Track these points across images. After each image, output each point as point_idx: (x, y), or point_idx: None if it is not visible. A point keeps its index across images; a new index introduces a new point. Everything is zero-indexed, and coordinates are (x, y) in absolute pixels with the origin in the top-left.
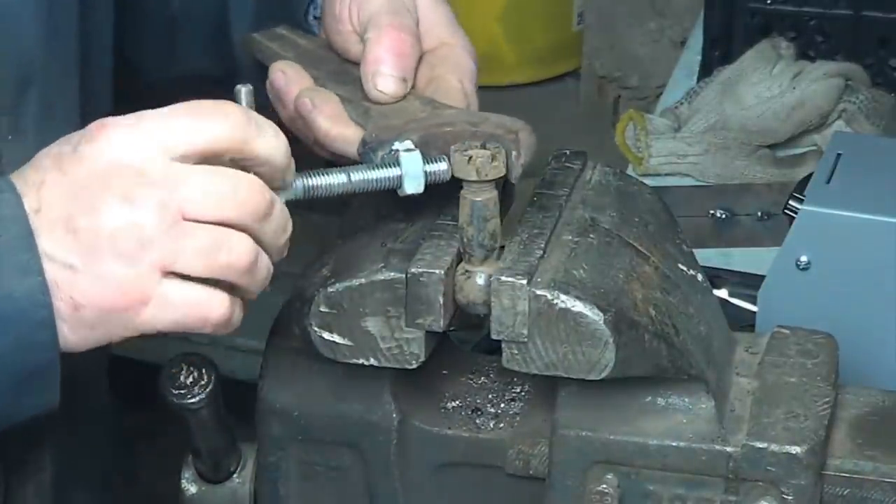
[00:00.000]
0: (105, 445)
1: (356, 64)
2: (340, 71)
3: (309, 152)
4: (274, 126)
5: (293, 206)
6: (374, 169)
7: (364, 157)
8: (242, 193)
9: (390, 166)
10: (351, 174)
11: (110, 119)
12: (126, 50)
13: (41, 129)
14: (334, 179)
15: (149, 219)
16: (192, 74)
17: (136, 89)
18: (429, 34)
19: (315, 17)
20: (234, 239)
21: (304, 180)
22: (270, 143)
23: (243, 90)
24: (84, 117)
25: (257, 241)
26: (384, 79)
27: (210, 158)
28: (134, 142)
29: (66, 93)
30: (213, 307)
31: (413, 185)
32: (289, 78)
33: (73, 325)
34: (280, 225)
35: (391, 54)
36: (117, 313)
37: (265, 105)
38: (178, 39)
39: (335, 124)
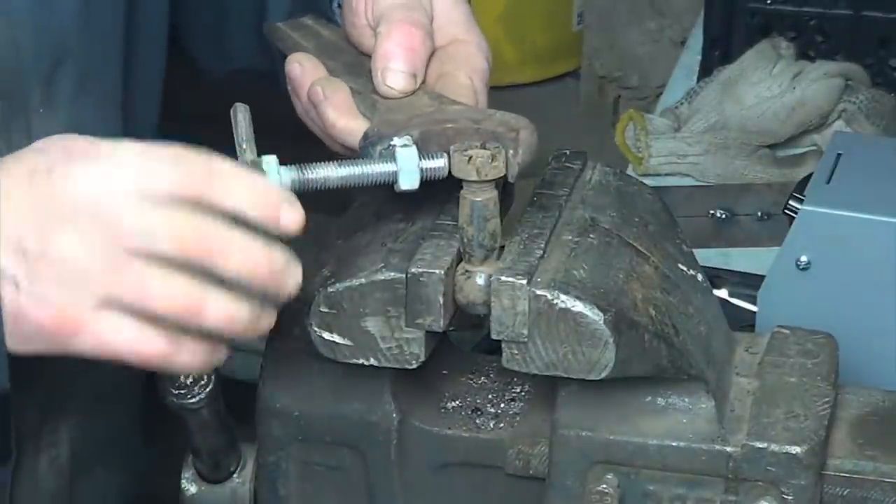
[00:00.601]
0: (130, 430)
1: (370, 57)
2: (356, 63)
3: (321, 144)
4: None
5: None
6: (369, 163)
7: (363, 151)
8: (185, 231)
9: (386, 161)
10: (346, 168)
11: (92, 148)
12: (185, 46)
13: (74, 106)
14: (329, 173)
15: (92, 253)
16: (244, 68)
17: (195, 83)
18: (442, 31)
19: (339, 6)
20: (172, 280)
21: (299, 173)
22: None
23: (240, 108)
24: (127, 102)
25: (219, 275)
26: (393, 74)
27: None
28: (107, 183)
29: (104, 74)
30: (149, 348)
31: (408, 181)
32: (304, 70)
33: (12, 334)
34: (247, 257)
35: (401, 49)
36: (52, 335)
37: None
38: (227, 32)
39: (343, 116)
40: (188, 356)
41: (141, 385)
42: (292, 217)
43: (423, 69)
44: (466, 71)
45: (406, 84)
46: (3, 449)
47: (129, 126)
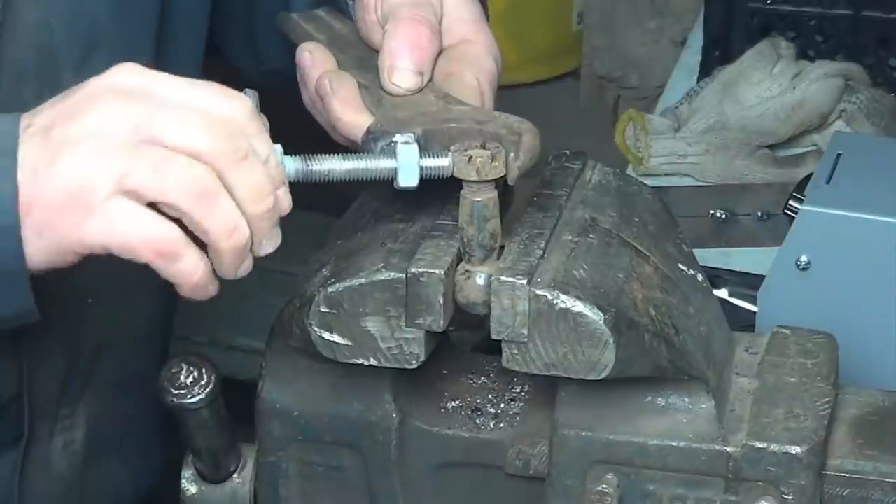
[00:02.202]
0: (147, 420)
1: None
2: (366, 58)
3: (325, 135)
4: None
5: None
6: (370, 158)
7: (365, 146)
8: (219, 134)
9: (387, 157)
10: (346, 162)
11: (130, 65)
12: (220, 46)
13: None
14: (329, 165)
15: (117, 131)
16: (277, 69)
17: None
18: (451, 30)
19: None
20: (194, 166)
21: (300, 164)
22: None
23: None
24: None
25: (228, 187)
26: (400, 73)
27: None
28: (137, 74)
29: (134, 62)
30: (162, 236)
31: (407, 178)
32: (315, 59)
33: (26, 232)
34: (257, 183)
35: (407, 47)
36: (62, 217)
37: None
38: (256, 30)
39: (348, 110)
40: (193, 261)
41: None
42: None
43: (429, 67)
44: (474, 72)
45: (412, 82)
46: (14, 428)
47: None
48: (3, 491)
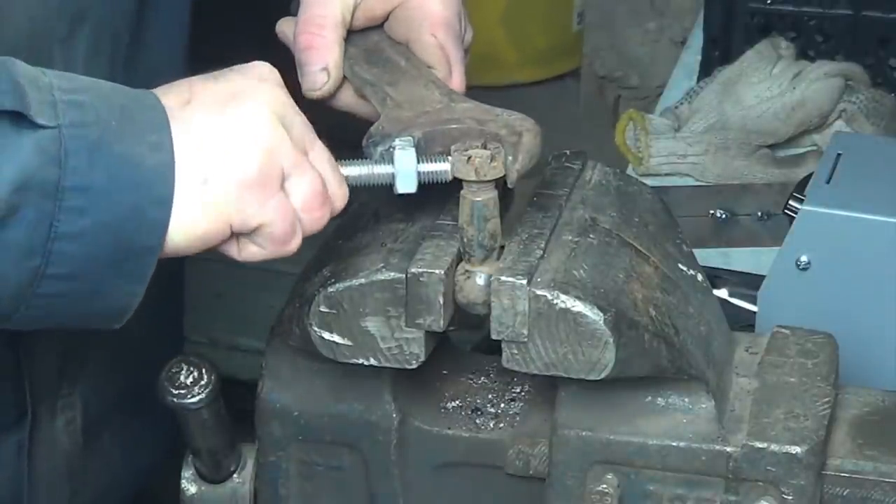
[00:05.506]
0: (138, 397)
1: (392, 41)
2: (375, 49)
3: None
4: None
5: None
6: (368, 165)
7: (365, 150)
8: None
9: (385, 164)
10: (345, 169)
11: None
12: None
13: (89, 66)
14: None
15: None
16: None
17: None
18: None
19: None
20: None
21: None
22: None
23: None
24: (140, 60)
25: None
26: (304, 78)
27: None
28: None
29: (115, 37)
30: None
31: (405, 184)
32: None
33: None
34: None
35: (302, 52)
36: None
37: None
38: None
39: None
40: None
41: (155, 345)
42: None
43: (334, 59)
44: (426, 27)
45: (318, 80)
46: (16, 409)
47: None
48: (11, 473)
